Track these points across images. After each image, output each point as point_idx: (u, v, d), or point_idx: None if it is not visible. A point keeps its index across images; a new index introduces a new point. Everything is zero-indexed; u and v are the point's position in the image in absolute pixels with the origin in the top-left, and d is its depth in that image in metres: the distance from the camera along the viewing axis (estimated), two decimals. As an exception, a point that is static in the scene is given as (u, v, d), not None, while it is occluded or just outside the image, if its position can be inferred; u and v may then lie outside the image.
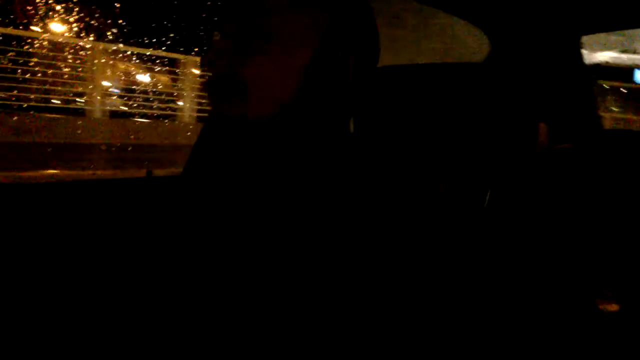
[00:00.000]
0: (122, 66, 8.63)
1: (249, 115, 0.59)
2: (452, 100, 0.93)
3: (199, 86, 8.38)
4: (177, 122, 8.41)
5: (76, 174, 5.08)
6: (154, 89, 8.68)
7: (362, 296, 0.51)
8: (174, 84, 8.87)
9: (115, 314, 0.67)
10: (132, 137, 7.34)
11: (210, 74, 0.62)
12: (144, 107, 8.23)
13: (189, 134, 7.84)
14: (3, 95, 6.86)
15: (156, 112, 8.33)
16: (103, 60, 7.62)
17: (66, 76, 7.58)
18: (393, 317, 0.51)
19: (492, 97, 0.95)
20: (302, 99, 0.60)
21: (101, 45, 7.74)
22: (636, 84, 13.17)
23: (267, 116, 0.60)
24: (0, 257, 0.94)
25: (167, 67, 8.88)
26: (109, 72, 7.90)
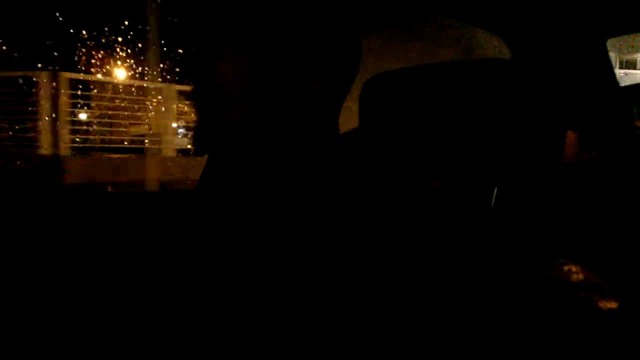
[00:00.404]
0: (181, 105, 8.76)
1: (232, 119, 0.61)
2: (462, 101, 0.91)
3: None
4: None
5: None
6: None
7: (360, 295, 0.51)
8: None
9: (129, 319, 0.68)
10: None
11: (193, 84, 0.64)
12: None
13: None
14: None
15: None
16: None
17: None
18: (389, 315, 0.51)
19: (507, 101, 0.93)
20: (280, 98, 0.61)
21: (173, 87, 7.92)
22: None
23: (248, 118, 0.61)
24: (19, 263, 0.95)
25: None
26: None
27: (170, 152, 7.37)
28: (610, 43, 1.16)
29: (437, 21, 1.43)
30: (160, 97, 7.44)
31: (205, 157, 0.72)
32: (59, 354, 0.87)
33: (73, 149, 6.89)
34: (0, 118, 7.12)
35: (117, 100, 7.71)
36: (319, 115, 0.65)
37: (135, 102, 7.70)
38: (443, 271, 0.53)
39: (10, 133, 7.11)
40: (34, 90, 6.66)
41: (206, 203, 0.69)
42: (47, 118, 6.59)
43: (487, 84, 0.92)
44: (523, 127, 0.99)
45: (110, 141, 7.50)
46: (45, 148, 6.61)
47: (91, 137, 7.38)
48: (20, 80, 6.81)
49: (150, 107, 7.62)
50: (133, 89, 7.82)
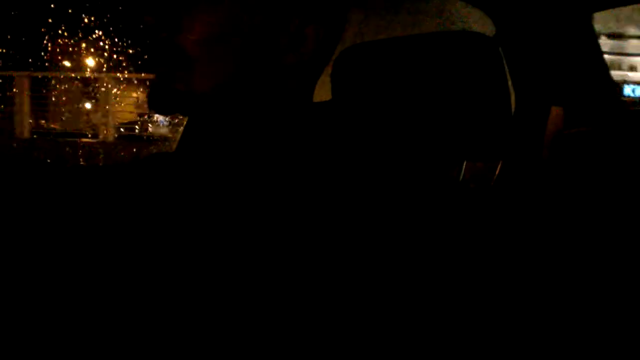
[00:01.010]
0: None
1: (196, 88, 0.55)
2: (440, 74, 0.88)
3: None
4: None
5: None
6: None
7: (336, 282, 0.47)
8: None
9: (109, 303, 0.64)
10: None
11: (152, 41, 0.57)
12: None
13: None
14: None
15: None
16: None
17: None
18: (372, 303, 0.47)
19: (488, 74, 0.90)
20: (253, 69, 0.56)
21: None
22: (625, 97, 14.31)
23: (216, 89, 0.55)
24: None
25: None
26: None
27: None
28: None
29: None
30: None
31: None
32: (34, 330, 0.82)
33: None
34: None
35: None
36: (294, 88, 0.61)
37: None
38: (420, 252, 0.49)
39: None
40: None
41: (179, 175, 0.65)
42: None
43: (467, 57, 0.89)
44: (505, 101, 0.97)
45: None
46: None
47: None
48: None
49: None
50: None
